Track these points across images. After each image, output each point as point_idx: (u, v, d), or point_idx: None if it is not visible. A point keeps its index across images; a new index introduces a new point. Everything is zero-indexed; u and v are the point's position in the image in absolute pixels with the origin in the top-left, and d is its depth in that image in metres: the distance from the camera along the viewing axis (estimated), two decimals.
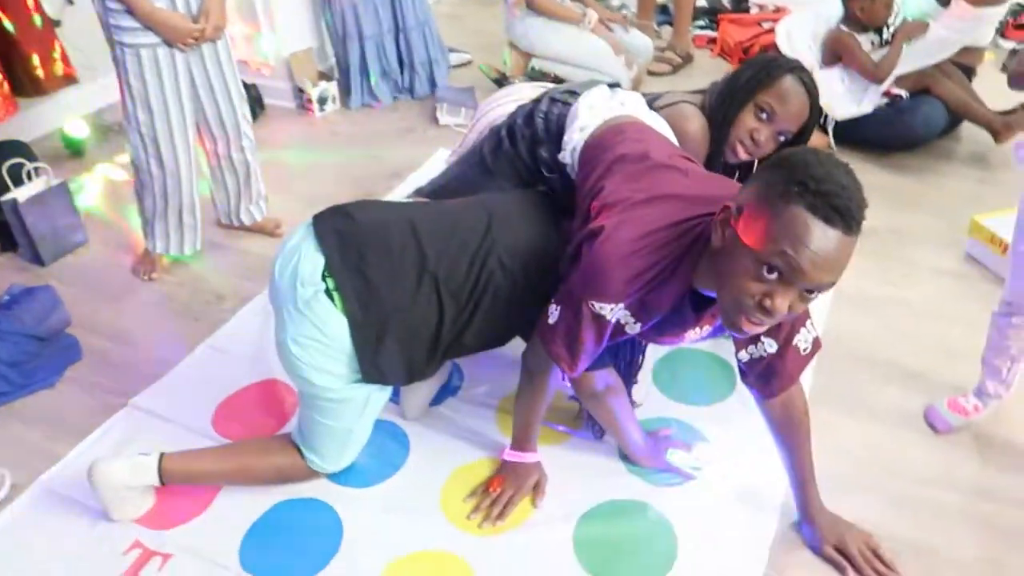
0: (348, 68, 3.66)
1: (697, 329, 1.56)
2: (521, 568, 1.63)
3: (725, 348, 2.13)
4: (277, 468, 1.76)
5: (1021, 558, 1.64)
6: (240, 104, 2.50)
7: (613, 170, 1.55)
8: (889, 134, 3.07)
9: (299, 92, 3.65)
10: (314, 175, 3.19)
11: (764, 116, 1.81)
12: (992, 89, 3.27)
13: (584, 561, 1.64)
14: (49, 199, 2.59)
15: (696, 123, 1.85)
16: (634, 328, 1.46)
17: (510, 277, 1.60)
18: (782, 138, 1.84)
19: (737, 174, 1.98)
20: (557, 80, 3.45)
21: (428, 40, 3.75)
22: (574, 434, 1.93)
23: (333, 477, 1.80)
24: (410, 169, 3.15)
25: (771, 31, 3.85)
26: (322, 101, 3.62)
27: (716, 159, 1.89)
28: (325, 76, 3.68)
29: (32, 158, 2.71)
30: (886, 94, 3.07)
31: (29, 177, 2.58)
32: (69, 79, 3.40)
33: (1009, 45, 4.09)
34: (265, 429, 1.96)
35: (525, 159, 1.84)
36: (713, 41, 4.17)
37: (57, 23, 3.36)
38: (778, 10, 4.27)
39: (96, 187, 3.10)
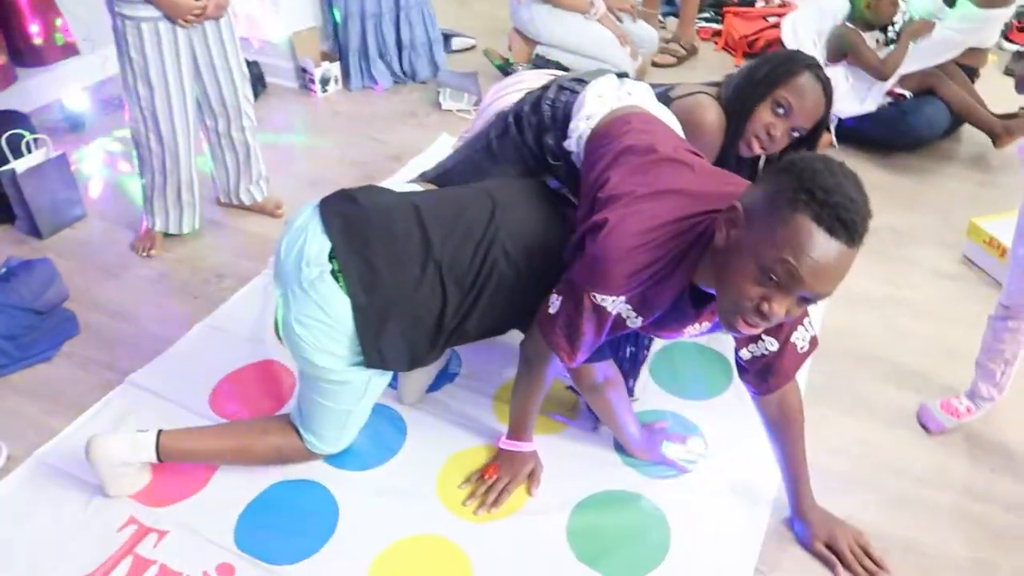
0: (348, 49, 3.63)
1: (697, 325, 1.56)
2: (515, 555, 1.65)
3: (722, 342, 2.14)
4: (275, 448, 1.77)
5: (1010, 558, 1.67)
6: (242, 84, 2.49)
7: (619, 161, 1.55)
8: (891, 134, 3.08)
9: (302, 72, 3.63)
10: (315, 156, 3.18)
11: (781, 111, 1.81)
12: (994, 91, 3.28)
13: (577, 550, 1.65)
14: (48, 171, 2.58)
15: (713, 114, 1.86)
16: (635, 322, 1.46)
17: (513, 266, 1.61)
18: (795, 134, 1.85)
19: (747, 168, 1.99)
20: (561, 68, 3.44)
21: (427, 21, 3.74)
22: (570, 424, 1.94)
23: (330, 459, 1.81)
24: (411, 153, 3.14)
25: (776, 26, 3.85)
26: (324, 81, 3.61)
27: (730, 152, 1.90)
28: (328, 56, 3.66)
29: (31, 129, 2.69)
30: (890, 93, 3.07)
31: (28, 149, 2.57)
32: (70, 50, 3.36)
33: (1013, 48, 4.10)
34: (262, 409, 1.96)
35: (531, 146, 1.84)
36: (718, 34, 4.17)
37: None
38: (783, 4, 4.26)
39: (96, 161, 3.09)
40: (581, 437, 1.91)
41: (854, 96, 3.03)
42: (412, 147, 3.19)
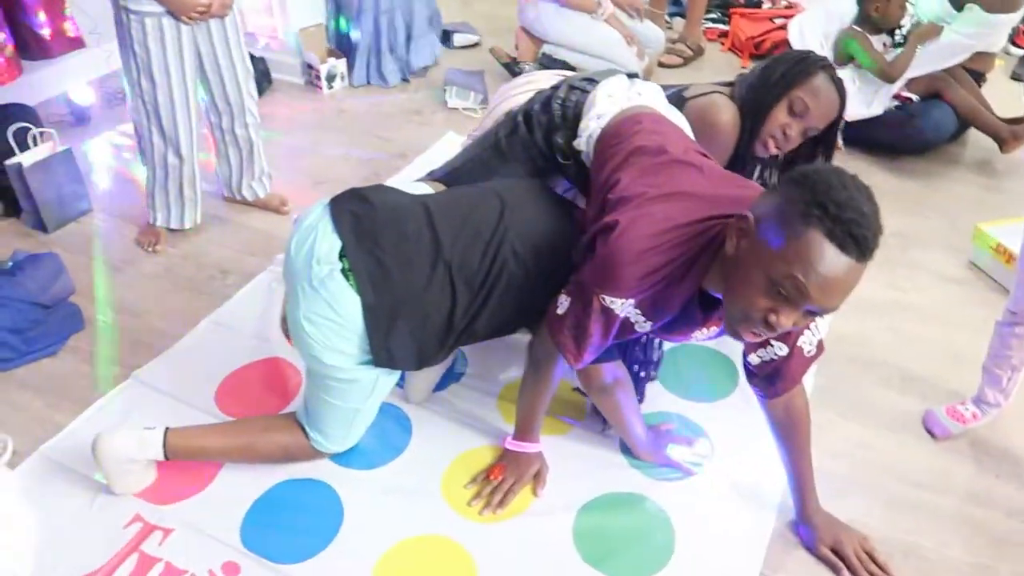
0: (359, 45, 3.63)
1: (704, 329, 1.56)
2: (520, 556, 1.65)
3: (728, 345, 2.14)
4: (281, 447, 1.77)
5: (1012, 565, 1.67)
6: (246, 81, 2.49)
7: (630, 162, 1.55)
8: (898, 138, 3.07)
9: (308, 68, 3.62)
10: (320, 153, 3.18)
11: (797, 112, 1.83)
12: (1001, 96, 3.28)
13: (583, 551, 1.65)
14: (54, 165, 2.57)
15: (728, 114, 1.87)
16: (644, 327, 1.46)
17: (523, 266, 1.61)
18: (810, 134, 1.86)
19: (757, 168, 2.00)
20: (568, 67, 3.44)
21: (429, 7, 3.77)
22: (577, 425, 1.94)
23: (336, 458, 1.81)
24: (417, 151, 3.14)
25: (783, 27, 3.85)
26: (331, 78, 3.60)
27: (746, 152, 1.90)
28: (334, 53, 3.65)
29: (37, 123, 2.69)
30: (897, 97, 3.07)
31: (35, 142, 2.56)
32: (76, 43, 3.36)
33: (1020, 52, 4.10)
34: (268, 407, 1.96)
35: (540, 145, 1.84)
36: (724, 35, 4.16)
37: None
38: (790, 6, 4.26)
39: (102, 155, 3.08)
40: (587, 438, 1.91)
41: (861, 99, 3.03)
42: (418, 145, 3.18)
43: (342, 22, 3.67)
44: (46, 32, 3.22)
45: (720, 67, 3.95)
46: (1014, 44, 4.12)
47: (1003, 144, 3.09)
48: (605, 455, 1.87)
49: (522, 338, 1.78)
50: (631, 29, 3.50)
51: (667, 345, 2.10)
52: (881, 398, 2.07)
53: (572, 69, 3.40)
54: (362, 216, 1.58)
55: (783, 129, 1.85)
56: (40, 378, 2.06)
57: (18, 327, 2.09)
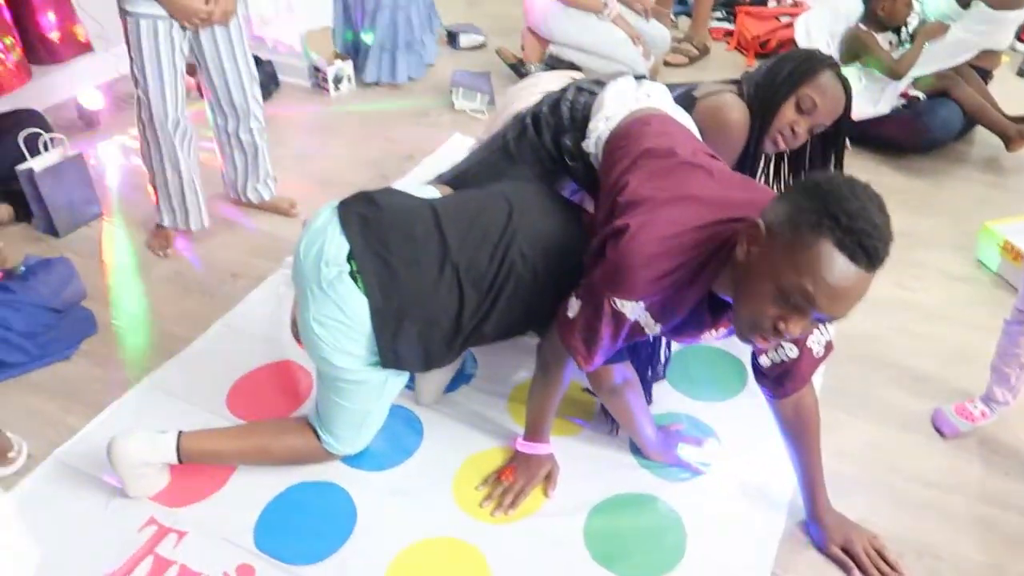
0: (374, 43, 3.65)
1: (713, 331, 1.57)
2: (532, 557, 1.66)
3: (736, 345, 2.13)
4: (293, 449, 1.78)
5: (1023, 564, 1.67)
6: (251, 85, 2.48)
7: (638, 164, 1.55)
8: (905, 136, 3.07)
9: (315, 71, 3.64)
10: (328, 155, 3.19)
11: (805, 110, 1.85)
12: (1007, 93, 3.28)
13: (594, 552, 1.66)
14: (65, 170, 2.59)
15: (739, 113, 1.89)
16: (654, 329, 1.47)
17: (531, 269, 1.61)
18: (816, 131, 1.89)
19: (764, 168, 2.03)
20: (574, 68, 3.44)
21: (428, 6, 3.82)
22: (586, 426, 1.95)
23: (347, 460, 1.82)
24: (424, 153, 3.15)
25: (789, 26, 3.85)
26: (337, 80, 3.61)
27: (755, 149, 1.92)
28: (341, 56, 3.67)
29: (47, 128, 2.70)
30: (903, 95, 3.07)
31: (45, 147, 2.58)
32: (84, 47, 3.38)
33: None
34: (279, 410, 1.98)
35: (549, 147, 1.85)
36: (730, 34, 4.16)
37: None
38: (796, 4, 4.25)
39: (111, 159, 3.10)
40: (597, 439, 1.92)
41: (868, 98, 3.03)
42: (425, 147, 3.19)
43: (351, 26, 3.69)
44: (55, 35, 3.24)
45: (726, 66, 3.95)
46: (1020, 41, 4.11)
47: (1009, 142, 3.09)
48: (615, 456, 1.88)
49: (532, 340, 1.79)
50: (637, 29, 3.50)
51: (675, 346, 2.11)
52: (890, 397, 2.07)
53: (578, 70, 3.41)
54: (370, 219, 1.60)
55: (791, 126, 1.87)
56: (54, 382, 2.08)
57: (31, 331, 2.11)
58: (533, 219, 1.66)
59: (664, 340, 1.94)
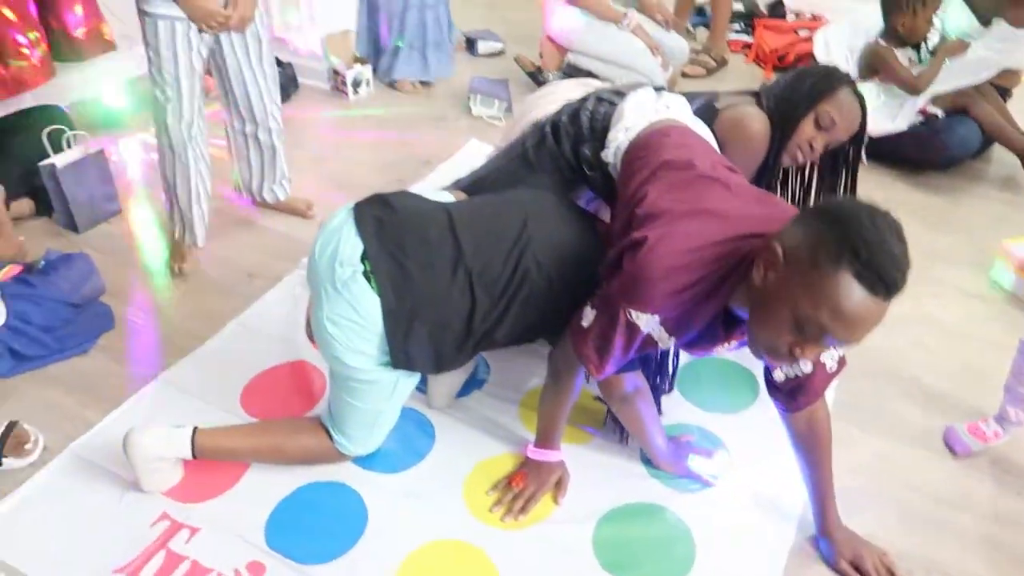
0: (404, 43, 3.71)
1: (725, 345, 1.58)
2: (541, 563, 1.66)
3: (748, 357, 2.13)
4: (307, 449, 1.79)
5: None
6: (272, 88, 2.48)
7: (657, 176, 1.56)
8: (923, 153, 3.06)
9: (334, 74, 3.66)
10: (345, 157, 3.22)
11: (823, 126, 1.88)
12: None
13: (603, 560, 1.67)
14: (87, 167, 2.62)
15: (761, 124, 1.91)
16: (667, 343, 1.48)
17: (545, 276, 1.62)
18: (832, 147, 1.92)
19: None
20: (591, 77, 3.46)
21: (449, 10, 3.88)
22: (597, 434, 1.95)
23: (359, 461, 1.83)
24: (441, 158, 3.17)
25: (807, 39, 3.85)
26: (356, 84, 3.64)
27: (774, 163, 1.94)
28: (361, 60, 3.69)
29: (70, 124, 2.74)
30: (921, 112, 3.06)
31: (68, 144, 2.61)
32: (109, 45, 3.41)
33: None
34: (293, 410, 1.99)
35: (568, 156, 1.87)
36: (748, 46, 4.16)
37: None
38: (815, 18, 4.26)
39: (132, 157, 3.13)
40: (607, 448, 1.92)
41: (886, 114, 3.03)
42: (442, 152, 3.21)
43: (377, 29, 3.73)
44: (81, 32, 3.26)
45: (744, 78, 3.95)
46: None
47: None
48: (625, 465, 1.88)
49: (544, 347, 1.80)
50: (656, 39, 3.51)
51: (685, 357, 2.12)
52: (902, 413, 2.07)
53: (596, 79, 3.42)
54: (385, 220, 1.61)
55: (810, 142, 1.90)
56: (71, 376, 2.10)
57: (50, 325, 2.13)
58: (549, 227, 1.67)
59: (672, 352, 1.95)
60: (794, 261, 1.23)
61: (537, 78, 3.68)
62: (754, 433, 1.95)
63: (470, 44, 4.17)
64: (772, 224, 1.35)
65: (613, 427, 1.93)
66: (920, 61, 3.07)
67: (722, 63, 3.99)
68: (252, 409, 1.99)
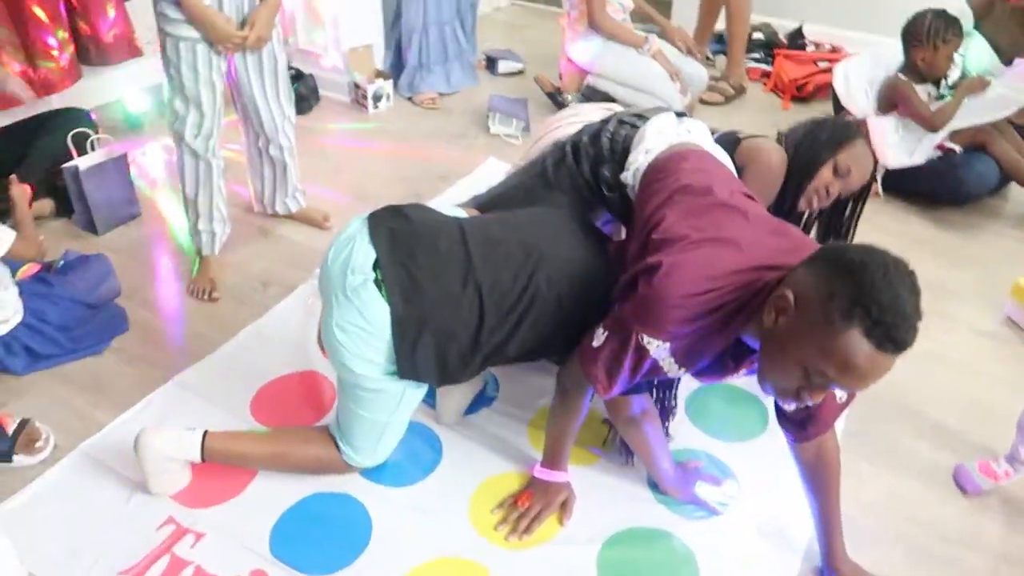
0: (426, 59, 3.81)
1: (735, 375, 1.58)
2: None
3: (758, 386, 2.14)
4: (314, 458, 1.80)
5: None
6: (285, 106, 2.50)
7: (674, 200, 1.57)
8: (939, 188, 3.06)
9: (355, 87, 3.70)
10: (363, 170, 3.24)
11: (840, 174, 1.94)
12: None
13: None
14: (109, 170, 2.65)
15: (779, 157, 1.95)
16: (677, 373, 1.48)
17: (556, 295, 1.63)
18: (843, 196, 1.99)
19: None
20: (609, 100, 3.48)
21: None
22: (604, 456, 1.95)
23: (366, 474, 1.84)
24: (459, 174, 3.19)
25: (827, 71, 3.86)
26: (377, 98, 3.67)
27: (791, 207, 1.98)
28: (383, 74, 3.73)
29: (94, 127, 2.77)
30: (940, 147, 3.06)
31: (92, 147, 2.64)
32: (135, 51, 3.46)
33: None
34: (302, 419, 2.00)
35: (587, 176, 1.88)
36: (767, 75, 4.18)
37: None
38: (834, 49, 4.27)
39: (153, 161, 3.17)
40: (614, 470, 1.92)
41: (904, 148, 3.03)
42: (460, 168, 3.23)
43: (398, 44, 3.80)
44: (112, 35, 3.30)
45: (763, 107, 3.97)
46: None
47: None
48: (632, 488, 1.88)
49: (554, 365, 1.80)
50: (676, 66, 3.53)
51: (694, 384, 2.11)
52: (912, 449, 2.05)
53: (614, 102, 3.44)
54: (398, 231, 1.63)
55: (827, 187, 1.96)
56: (84, 376, 2.12)
57: (66, 325, 2.15)
58: (560, 245, 1.69)
59: (676, 383, 1.94)
60: (805, 310, 1.24)
61: (556, 99, 3.70)
62: (763, 462, 1.95)
63: (490, 63, 4.21)
64: (788, 256, 1.36)
65: (620, 449, 1.93)
66: (940, 97, 3.08)
67: (740, 91, 4.01)
68: (261, 416, 2.00)
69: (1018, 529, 1.85)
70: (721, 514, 1.82)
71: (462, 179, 3.14)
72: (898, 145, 3.03)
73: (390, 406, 1.71)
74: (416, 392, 1.73)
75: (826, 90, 3.71)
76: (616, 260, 1.71)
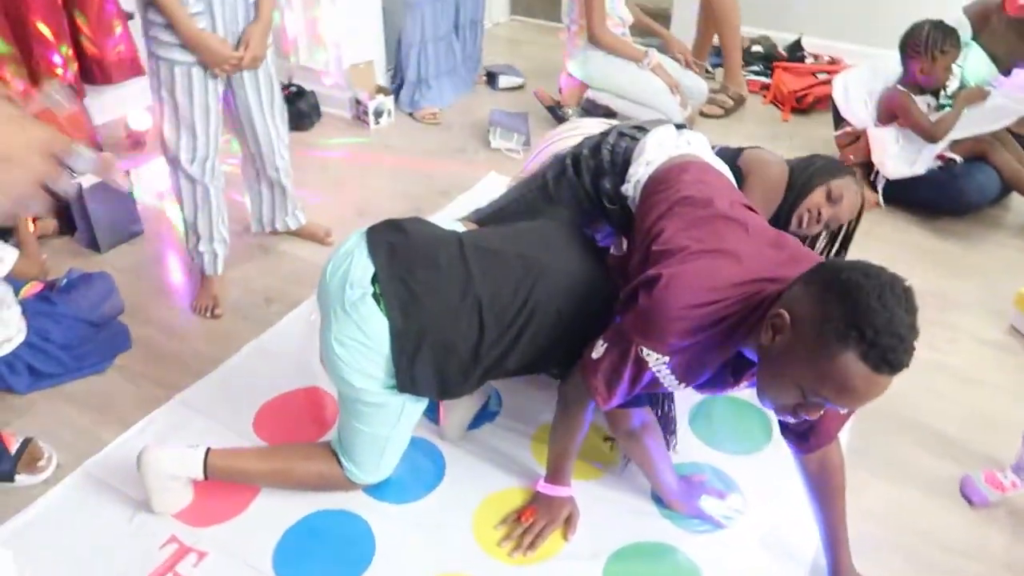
0: (426, 74, 3.85)
1: (735, 388, 1.58)
2: None
3: None
4: (317, 474, 1.80)
5: None
6: (280, 127, 2.47)
7: (674, 211, 1.57)
8: (940, 198, 3.06)
9: (356, 103, 3.72)
10: (365, 185, 3.25)
11: (833, 199, 2.00)
12: None
13: None
14: (112, 188, 2.65)
15: (781, 170, 2.01)
16: (676, 388, 1.48)
17: (556, 308, 1.63)
18: (831, 226, 2.05)
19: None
20: (610, 113, 3.49)
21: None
22: (607, 471, 1.94)
23: (369, 491, 1.83)
24: (460, 189, 3.20)
25: (826, 82, 3.87)
26: (378, 114, 3.69)
27: (785, 225, 2.00)
28: (383, 90, 3.75)
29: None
30: (940, 158, 3.07)
31: None
32: (138, 70, 3.47)
33: None
34: (305, 435, 1.99)
35: (587, 188, 1.89)
36: (766, 88, 4.19)
37: (130, 16, 3.44)
38: (833, 61, 4.28)
39: (156, 179, 3.17)
40: (618, 485, 1.91)
41: (904, 159, 3.03)
42: (461, 183, 3.24)
43: (400, 59, 3.84)
44: (118, 51, 3.31)
45: (763, 119, 3.98)
46: None
47: None
48: (636, 503, 1.87)
49: (556, 380, 1.80)
50: (676, 79, 3.55)
51: (698, 397, 2.11)
52: (916, 460, 2.05)
53: (614, 115, 3.46)
54: (397, 245, 1.63)
55: (818, 208, 2.00)
56: (87, 394, 2.12)
57: (69, 343, 2.15)
58: (560, 258, 1.69)
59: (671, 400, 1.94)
60: (800, 331, 1.24)
61: (556, 113, 3.72)
62: (767, 475, 1.94)
63: (491, 78, 4.23)
64: (787, 267, 1.36)
65: (623, 461, 1.92)
66: (939, 107, 3.08)
67: (740, 101, 4.00)
68: (264, 433, 2.00)
69: (1023, 540, 1.84)
70: (726, 528, 1.81)
71: (463, 194, 3.15)
72: (898, 156, 3.04)
73: (390, 420, 1.70)
74: (416, 406, 1.73)
75: (825, 102, 3.72)
76: (617, 272, 1.72)
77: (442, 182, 3.27)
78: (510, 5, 5.34)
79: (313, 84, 3.74)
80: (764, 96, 4.17)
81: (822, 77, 4.06)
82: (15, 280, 2.09)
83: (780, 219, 2.00)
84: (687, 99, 3.56)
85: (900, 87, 3.07)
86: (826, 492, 1.64)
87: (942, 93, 3.10)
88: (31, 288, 2.23)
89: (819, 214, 2.00)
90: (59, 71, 3.09)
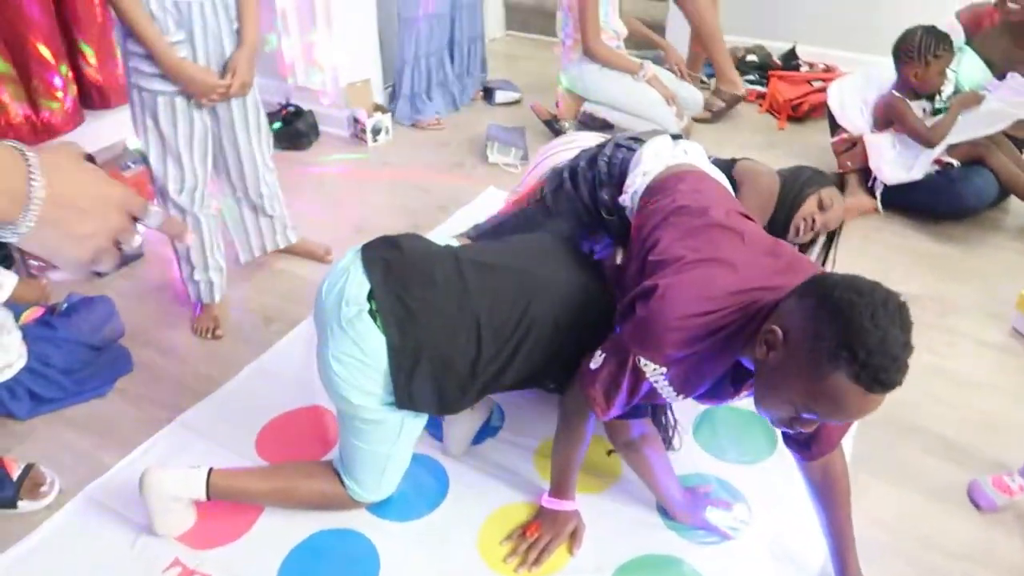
0: (417, 87, 3.90)
1: (734, 398, 1.58)
2: None
3: None
4: (320, 493, 1.79)
5: None
6: (264, 152, 2.43)
7: (670, 221, 1.57)
8: (938, 202, 3.06)
9: (354, 121, 3.73)
10: (364, 203, 3.26)
11: (824, 207, 2.06)
12: None
13: None
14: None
15: (771, 179, 2.03)
16: (675, 399, 1.48)
17: (552, 322, 1.63)
18: (821, 234, 2.10)
19: None
20: (607, 126, 3.51)
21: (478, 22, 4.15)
22: (612, 483, 1.93)
23: (372, 509, 1.82)
24: (458, 204, 3.20)
25: (821, 90, 3.89)
26: (376, 131, 3.70)
27: (782, 235, 2.02)
28: (380, 108, 3.77)
29: None
30: (937, 162, 3.07)
31: None
32: None
33: None
34: (307, 455, 1.99)
35: (585, 200, 1.89)
36: (762, 97, 4.20)
37: None
38: (828, 69, 4.30)
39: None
40: (623, 497, 1.90)
41: (901, 164, 3.04)
42: (459, 198, 3.25)
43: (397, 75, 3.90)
44: (119, 75, 3.32)
45: (759, 127, 3.99)
46: None
47: None
48: (642, 515, 1.86)
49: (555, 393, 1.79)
50: (671, 90, 3.56)
51: (701, 407, 2.10)
52: (921, 465, 2.04)
53: (611, 128, 3.47)
54: (392, 261, 1.63)
55: (812, 217, 2.05)
56: (88, 418, 2.12)
57: (70, 367, 2.15)
58: (556, 272, 1.69)
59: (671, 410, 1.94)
60: (793, 348, 1.24)
61: (553, 126, 3.73)
62: (773, 485, 1.93)
63: (487, 93, 4.25)
64: (783, 276, 1.36)
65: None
66: (935, 112, 3.09)
67: (733, 101, 3.97)
68: (266, 453, 1.99)
69: None
70: (732, 539, 1.80)
71: (462, 208, 3.16)
72: (895, 161, 3.04)
73: (390, 437, 1.70)
74: (416, 422, 1.72)
75: (821, 110, 3.74)
76: (615, 283, 1.72)
77: (440, 197, 3.27)
78: (505, 20, 5.37)
79: (311, 104, 3.76)
80: (760, 105, 4.18)
81: (817, 85, 4.08)
82: (15, 305, 2.08)
83: (776, 228, 2.02)
84: (683, 110, 3.58)
85: (895, 93, 3.08)
86: (830, 499, 1.63)
87: (937, 98, 3.11)
88: (32, 313, 2.24)
89: (813, 222, 2.06)
90: (59, 94, 3.11)
